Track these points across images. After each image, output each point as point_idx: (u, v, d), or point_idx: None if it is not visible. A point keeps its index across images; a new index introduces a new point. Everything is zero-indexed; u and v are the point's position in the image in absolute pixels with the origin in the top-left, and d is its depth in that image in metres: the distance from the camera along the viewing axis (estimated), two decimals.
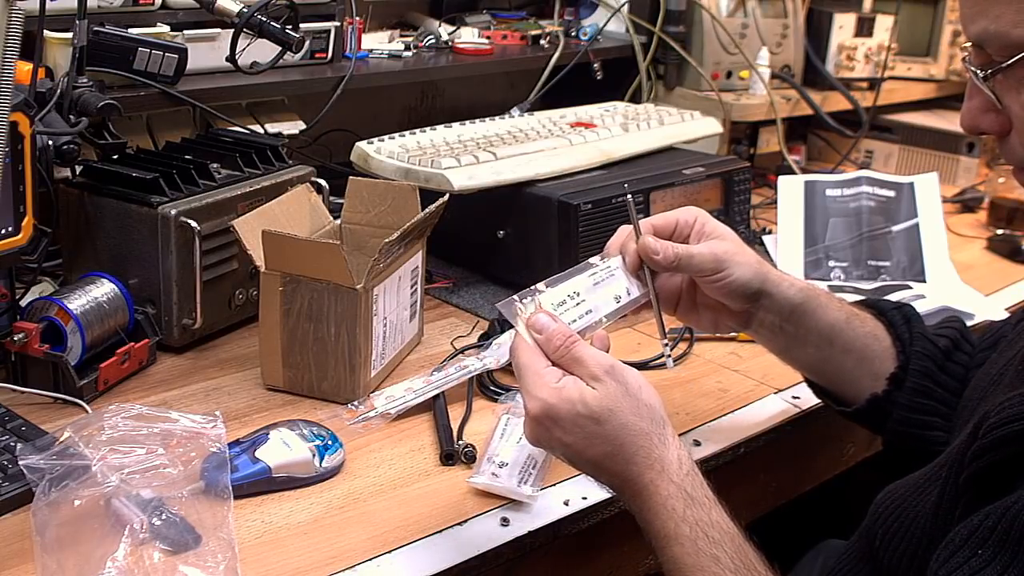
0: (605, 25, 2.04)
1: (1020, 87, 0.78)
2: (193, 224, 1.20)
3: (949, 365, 1.09)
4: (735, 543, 0.82)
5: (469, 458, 1.06)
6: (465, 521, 0.96)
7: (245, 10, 1.38)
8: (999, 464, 0.73)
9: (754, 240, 1.71)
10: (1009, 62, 0.76)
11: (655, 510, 0.84)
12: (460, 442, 1.08)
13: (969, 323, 1.23)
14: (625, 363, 0.87)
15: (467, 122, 1.68)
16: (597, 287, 1.00)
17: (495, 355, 1.19)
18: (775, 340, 1.13)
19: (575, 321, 0.96)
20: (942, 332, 1.12)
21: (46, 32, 1.32)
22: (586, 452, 0.86)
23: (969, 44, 0.81)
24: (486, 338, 1.28)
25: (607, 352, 0.91)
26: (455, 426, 1.12)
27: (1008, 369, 0.87)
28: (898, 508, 0.89)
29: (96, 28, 1.33)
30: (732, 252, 1.06)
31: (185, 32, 1.47)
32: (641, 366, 1.28)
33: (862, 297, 1.23)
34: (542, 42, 1.98)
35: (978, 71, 0.79)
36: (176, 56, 1.42)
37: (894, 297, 1.54)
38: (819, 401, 1.23)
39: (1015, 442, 0.71)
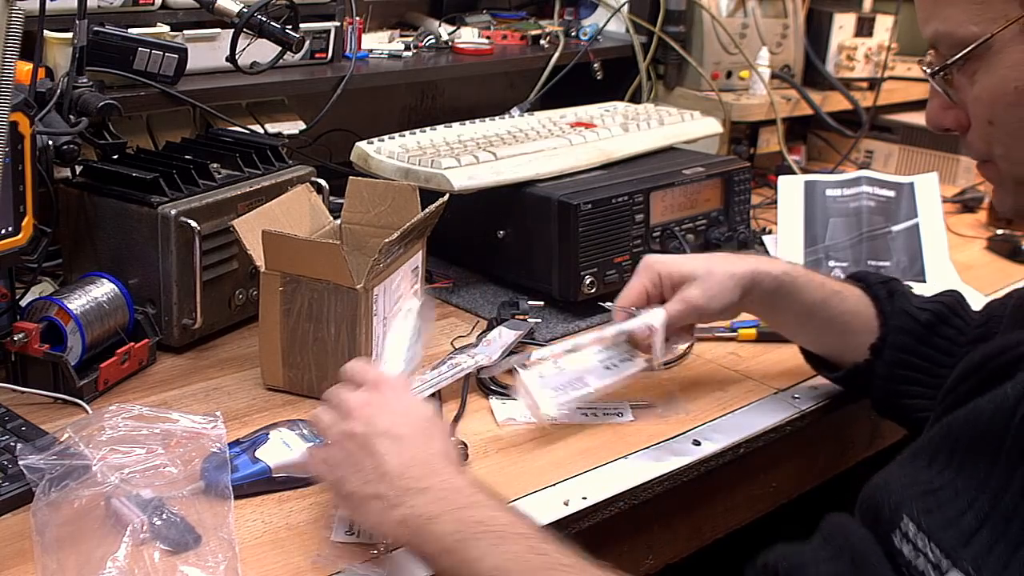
0: (605, 25, 2.04)
1: (972, 83, 0.82)
2: (193, 224, 1.20)
3: (932, 338, 1.14)
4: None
5: (462, 456, 1.05)
6: None
7: (245, 10, 1.38)
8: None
9: (754, 240, 1.70)
10: (954, 59, 0.82)
11: (445, 476, 0.84)
12: (452, 439, 1.08)
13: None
14: None
15: (467, 122, 1.68)
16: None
17: (486, 352, 1.20)
18: (760, 314, 1.23)
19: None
20: (928, 306, 1.17)
21: (46, 32, 1.32)
22: (407, 424, 0.88)
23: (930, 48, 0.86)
24: (484, 337, 1.28)
25: None
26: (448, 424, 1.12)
27: None
28: (880, 490, 0.91)
29: (96, 28, 1.33)
30: (705, 285, 1.13)
31: (185, 32, 1.47)
32: None
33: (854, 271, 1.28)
34: (542, 42, 1.98)
35: (933, 69, 0.85)
36: (176, 56, 1.42)
37: None
38: (819, 401, 1.24)
39: (975, 371, 0.75)
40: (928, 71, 0.85)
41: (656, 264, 1.16)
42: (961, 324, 1.15)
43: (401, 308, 1.08)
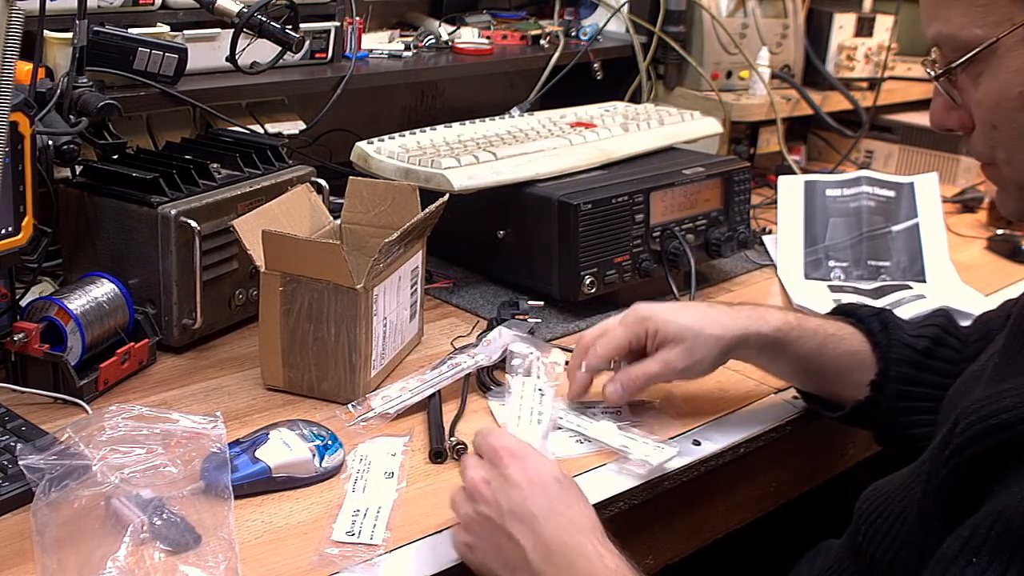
0: (605, 25, 2.04)
1: (975, 85, 0.81)
2: (193, 224, 1.20)
3: (932, 363, 1.12)
4: None
5: (460, 455, 1.05)
6: None
7: (245, 10, 1.38)
8: (977, 460, 0.73)
9: (754, 240, 1.70)
10: (959, 62, 0.81)
11: (592, 557, 0.84)
12: (452, 439, 1.08)
13: (968, 323, 1.24)
14: None
15: (467, 122, 1.68)
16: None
17: (486, 352, 1.20)
18: (752, 364, 1.19)
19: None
20: (923, 332, 1.15)
21: (46, 32, 1.32)
22: (533, 498, 0.87)
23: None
24: (484, 337, 1.28)
25: None
26: (447, 424, 1.12)
27: (989, 364, 0.88)
28: (882, 505, 0.90)
29: (96, 28, 1.33)
30: (690, 350, 1.11)
31: (185, 32, 1.47)
32: None
33: (849, 301, 1.25)
34: (542, 42, 1.98)
35: (936, 71, 0.84)
36: (176, 56, 1.42)
37: (894, 297, 1.55)
38: None
39: (991, 436, 0.72)
40: (931, 73, 0.84)
41: (646, 320, 1.13)
42: (956, 343, 1.14)
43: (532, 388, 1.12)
